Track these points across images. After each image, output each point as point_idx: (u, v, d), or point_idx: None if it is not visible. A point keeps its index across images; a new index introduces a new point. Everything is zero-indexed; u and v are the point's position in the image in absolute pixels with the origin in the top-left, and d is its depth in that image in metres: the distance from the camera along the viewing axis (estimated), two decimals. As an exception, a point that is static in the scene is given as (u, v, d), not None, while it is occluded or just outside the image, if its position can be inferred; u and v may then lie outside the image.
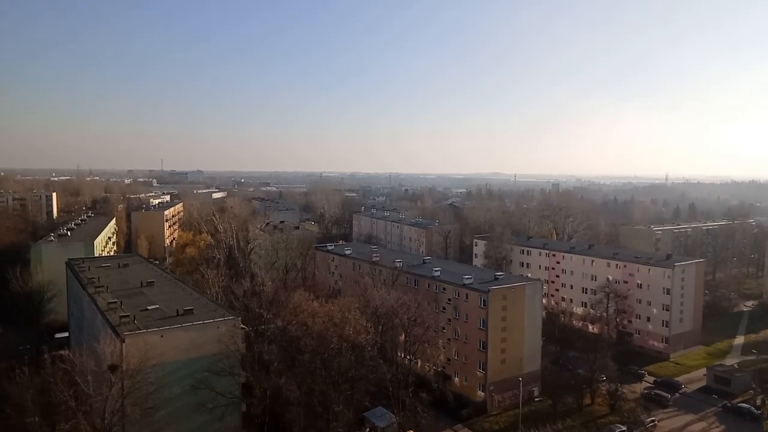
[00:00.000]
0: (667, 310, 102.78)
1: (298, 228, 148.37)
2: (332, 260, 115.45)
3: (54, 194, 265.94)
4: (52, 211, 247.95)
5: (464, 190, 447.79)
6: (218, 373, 52.73)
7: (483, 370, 77.57)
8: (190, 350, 52.20)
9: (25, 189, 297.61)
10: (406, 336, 70.48)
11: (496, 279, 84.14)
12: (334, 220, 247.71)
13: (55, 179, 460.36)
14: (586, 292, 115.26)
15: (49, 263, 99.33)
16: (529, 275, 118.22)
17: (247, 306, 67.44)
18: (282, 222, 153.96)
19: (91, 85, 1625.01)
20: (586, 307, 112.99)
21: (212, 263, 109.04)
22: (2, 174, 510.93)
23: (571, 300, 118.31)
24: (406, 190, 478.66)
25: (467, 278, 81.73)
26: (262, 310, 65.47)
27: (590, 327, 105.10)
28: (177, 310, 57.33)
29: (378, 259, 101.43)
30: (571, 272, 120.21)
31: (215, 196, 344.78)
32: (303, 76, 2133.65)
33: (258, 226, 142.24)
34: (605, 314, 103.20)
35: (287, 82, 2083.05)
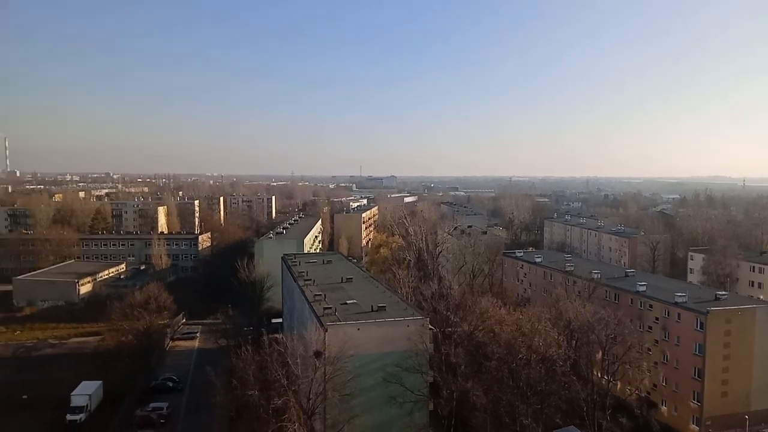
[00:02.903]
0: None
1: (485, 233, 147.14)
2: (521, 267, 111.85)
3: (273, 197, 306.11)
4: (271, 211, 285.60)
5: (677, 195, 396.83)
6: (407, 370, 54.58)
7: (698, 401, 67.61)
8: (383, 345, 54.99)
9: (252, 192, 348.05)
10: (604, 354, 64.68)
11: (718, 299, 72.64)
12: (524, 226, 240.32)
13: (274, 184, 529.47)
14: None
15: (268, 257, 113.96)
16: (761, 297, 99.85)
17: (435, 308, 68.68)
18: (469, 226, 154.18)
19: (300, 99, 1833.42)
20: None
21: (403, 264, 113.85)
22: (235, 179, 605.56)
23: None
24: (606, 195, 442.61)
25: (680, 296, 72.07)
26: (449, 313, 66.15)
27: None
28: (371, 306, 60.85)
29: (572, 268, 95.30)
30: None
31: (407, 200, 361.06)
32: (502, 86, 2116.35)
33: (446, 230, 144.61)
34: None
35: (485, 92, 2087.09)
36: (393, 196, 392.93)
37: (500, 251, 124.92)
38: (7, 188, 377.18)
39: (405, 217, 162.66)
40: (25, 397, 73.17)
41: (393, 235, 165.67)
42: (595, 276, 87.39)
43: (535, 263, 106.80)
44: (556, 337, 60.49)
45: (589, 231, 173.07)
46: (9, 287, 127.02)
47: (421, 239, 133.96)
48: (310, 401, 50.24)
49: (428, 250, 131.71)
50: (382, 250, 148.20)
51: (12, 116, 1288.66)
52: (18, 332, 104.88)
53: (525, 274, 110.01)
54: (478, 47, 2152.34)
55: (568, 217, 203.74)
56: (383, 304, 61.52)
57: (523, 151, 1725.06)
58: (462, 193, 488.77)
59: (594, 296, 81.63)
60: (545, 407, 56.90)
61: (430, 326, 59.25)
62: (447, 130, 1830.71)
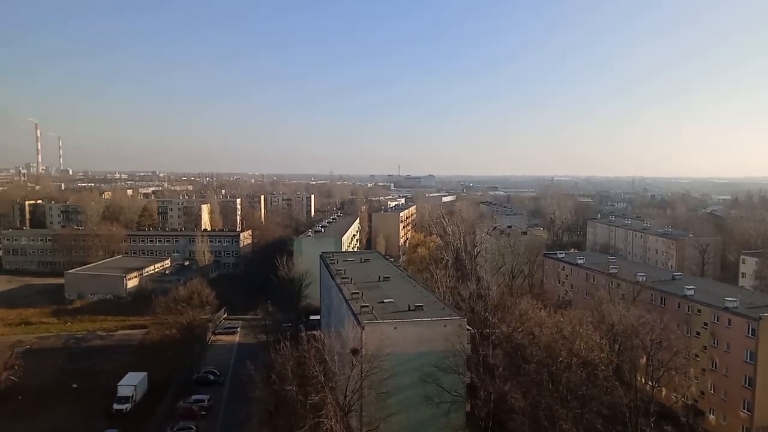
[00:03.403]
0: None
1: (525, 233, 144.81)
2: (562, 269, 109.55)
3: (312, 196, 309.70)
4: (310, 210, 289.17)
5: (728, 196, 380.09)
6: (444, 370, 54.21)
7: (748, 410, 64.65)
8: (419, 344, 54.80)
9: (291, 191, 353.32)
10: (648, 360, 62.60)
11: (772, 304, 69.29)
12: (566, 226, 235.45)
13: (313, 183, 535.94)
14: None
15: (307, 255, 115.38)
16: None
17: (473, 308, 67.96)
18: (509, 227, 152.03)
19: (339, 100, 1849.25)
20: None
21: (440, 264, 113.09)
22: (275, 178, 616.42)
23: None
24: (653, 195, 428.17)
25: (731, 301, 69.06)
26: (487, 314, 65.32)
27: None
28: (408, 305, 60.74)
29: (616, 271, 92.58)
30: None
31: (445, 199, 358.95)
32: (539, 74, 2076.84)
33: (485, 230, 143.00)
34: None
35: (527, 89, 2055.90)
36: (431, 195, 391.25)
37: (541, 252, 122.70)
38: (60, 186, 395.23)
39: (443, 217, 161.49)
40: (75, 386, 76.56)
41: (431, 234, 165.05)
42: (641, 279, 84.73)
43: (577, 265, 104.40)
44: (598, 340, 58.89)
45: (635, 232, 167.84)
46: (61, 280, 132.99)
47: (460, 239, 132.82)
48: (347, 398, 50.55)
49: (466, 250, 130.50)
50: (419, 250, 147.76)
51: (65, 117, 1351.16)
52: (69, 323, 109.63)
53: (566, 275, 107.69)
54: (505, 41, 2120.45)
55: (612, 218, 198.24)
56: (420, 303, 61.30)
57: (566, 150, 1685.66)
58: (502, 193, 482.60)
59: (639, 300, 79.18)
60: (586, 412, 55.53)
61: (467, 327, 58.70)
62: (486, 129, 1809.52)
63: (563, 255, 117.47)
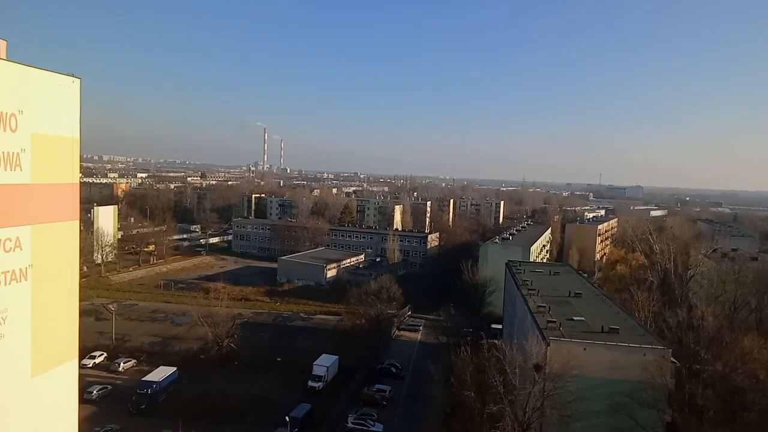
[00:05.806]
0: None
1: (756, 259, 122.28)
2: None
3: (501, 202, 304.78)
4: (499, 216, 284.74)
5: None
6: (640, 403, 48.47)
7: None
8: (612, 370, 49.83)
9: (480, 196, 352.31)
10: None
11: None
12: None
13: (503, 189, 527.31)
14: None
15: (492, 262, 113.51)
16: None
17: (681, 339, 59.70)
18: (734, 250, 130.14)
19: (531, 105, 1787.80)
20: None
21: (643, 285, 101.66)
22: (465, 183, 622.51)
23: None
24: None
25: None
26: (698, 348, 56.71)
27: None
28: (602, 326, 55.80)
29: None
30: None
31: (653, 213, 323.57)
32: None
33: (702, 252, 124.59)
34: None
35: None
36: (637, 208, 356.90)
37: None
38: (279, 182, 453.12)
39: (650, 233, 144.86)
40: (279, 359, 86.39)
41: (633, 251, 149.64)
42: None
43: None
44: None
45: None
46: (275, 265, 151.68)
47: (669, 259, 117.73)
48: (527, 414, 48.28)
49: (677, 273, 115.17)
50: (618, 267, 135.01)
51: (284, 121, 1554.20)
52: (278, 303, 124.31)
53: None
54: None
55: None
56: (616, 326, 55.89)
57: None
58: (727, 210, 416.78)
59: None
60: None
61: (672, 359, 51.67)
62: (708, 134, 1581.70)
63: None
